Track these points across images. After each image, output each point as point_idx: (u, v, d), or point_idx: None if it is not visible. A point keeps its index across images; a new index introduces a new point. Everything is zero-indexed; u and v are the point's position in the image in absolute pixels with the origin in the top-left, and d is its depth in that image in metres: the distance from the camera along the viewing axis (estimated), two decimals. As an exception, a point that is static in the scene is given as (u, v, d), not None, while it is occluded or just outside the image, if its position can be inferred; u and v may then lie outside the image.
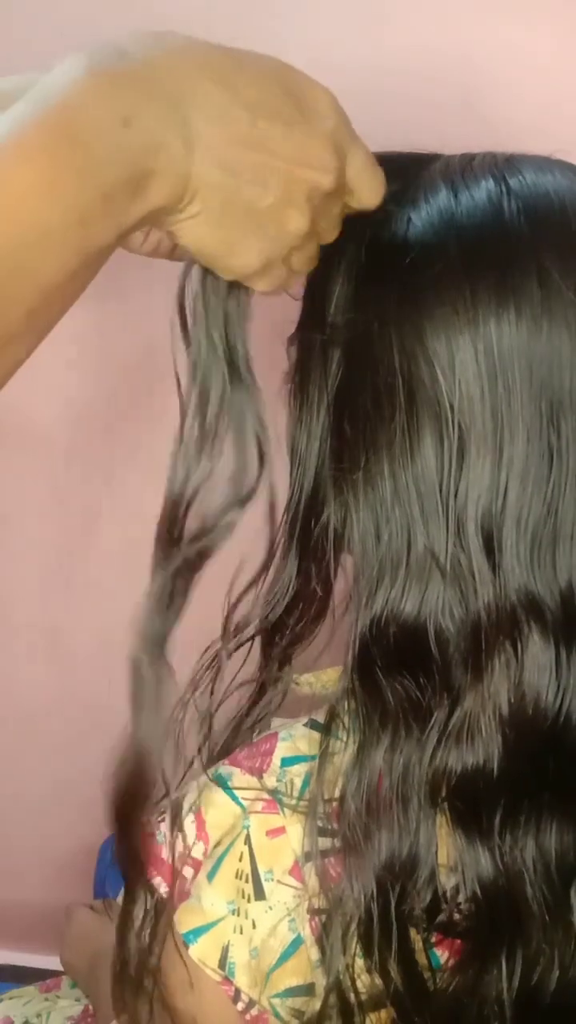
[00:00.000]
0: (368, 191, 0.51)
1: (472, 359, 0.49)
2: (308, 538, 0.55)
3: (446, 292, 0.49)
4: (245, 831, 0.56)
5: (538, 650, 0.50)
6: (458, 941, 0.55)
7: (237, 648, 0.58)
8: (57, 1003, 0.98)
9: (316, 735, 0.57)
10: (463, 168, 0.53)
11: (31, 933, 1.15)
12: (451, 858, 0.54)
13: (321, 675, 0.62)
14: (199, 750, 0.59)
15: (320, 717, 0.58)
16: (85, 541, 1.07)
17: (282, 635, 0.57)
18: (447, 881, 0.54)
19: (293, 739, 0.58)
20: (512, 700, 0.51)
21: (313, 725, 0.59)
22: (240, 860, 0.56)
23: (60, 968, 1.00)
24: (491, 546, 0.50)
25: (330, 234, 0.52)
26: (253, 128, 0.45)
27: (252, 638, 0.58)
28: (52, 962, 1.04)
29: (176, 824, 0.57)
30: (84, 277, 0.44)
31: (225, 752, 0.60)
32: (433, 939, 0.55)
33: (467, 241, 0.50)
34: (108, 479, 1.03)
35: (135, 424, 0.99)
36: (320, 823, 0.55)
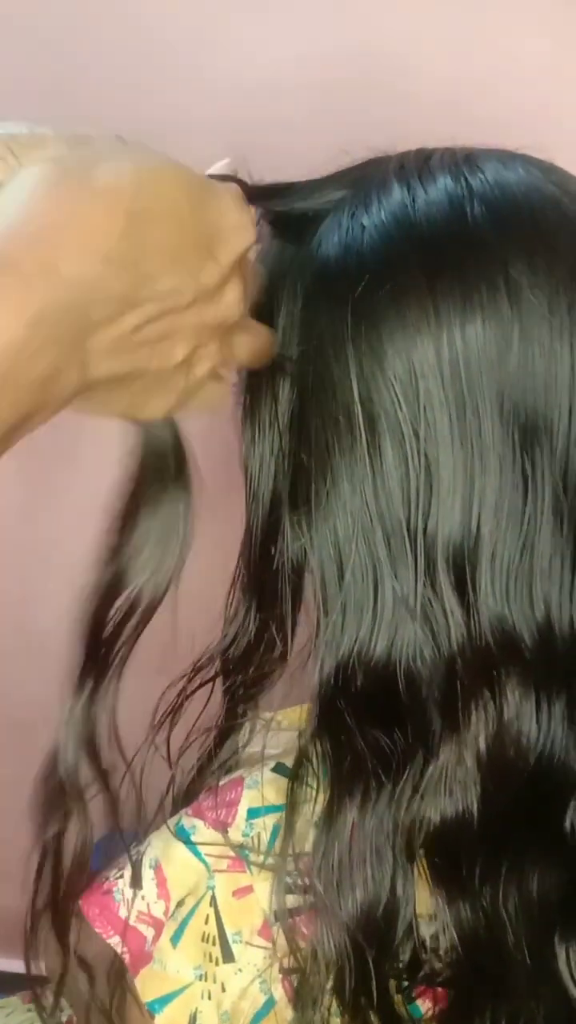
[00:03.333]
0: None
1: (438, 385, 0.44)
2: (266, 577, 0.50)
3: (408, 311, 0.44)
4: (210, 892, 0.52)
5: (518, 696, 0.47)
6: (440, 989, 0.53)
7: (198, 688, 0.54)
8: (41, 1013, 0.96)
9: (284, 781, 0.54)
10: (419, 167, 0.48)
11: (17, 938, 1.13)
12: (429, 906, 0.51)
13: (289, 713, 0.58)
14: (162, 802, 0.55)
15: (287, 760, 0.54)
16: (75, 544, 1.04)
17: (244, 677, 0.53)
18: (426, 930, 0.51)
19: (259, 787, 0.54)
20: (491, 748, 0.47)
21: (280, 770, 0.55)
22: (206, 923, 0.52)
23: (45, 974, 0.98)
24: (464, 585, 0.46)
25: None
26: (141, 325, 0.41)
27: (213, 679, 0.54)
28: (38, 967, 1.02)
29: (136, 881, 0.54)
30: None
31: (189, 797, 0.56)
32: (414, 993, 0.52)
33: (429, 252, 0.45)
34: (101, 478, 1.00)
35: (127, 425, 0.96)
36: (290, 879, 0.51)
